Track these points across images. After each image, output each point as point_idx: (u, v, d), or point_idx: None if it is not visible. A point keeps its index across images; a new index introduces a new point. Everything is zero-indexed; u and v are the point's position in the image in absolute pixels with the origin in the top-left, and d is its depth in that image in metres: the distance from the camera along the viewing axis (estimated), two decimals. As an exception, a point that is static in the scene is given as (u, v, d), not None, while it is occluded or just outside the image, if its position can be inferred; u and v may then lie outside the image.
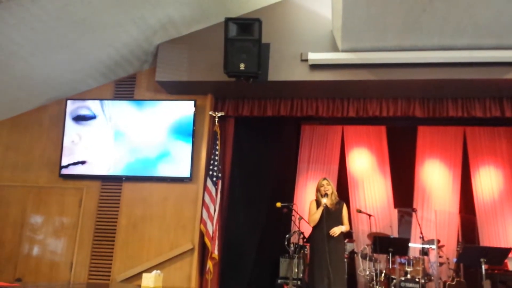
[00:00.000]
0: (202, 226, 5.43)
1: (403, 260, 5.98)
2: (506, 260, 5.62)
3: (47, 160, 5.93)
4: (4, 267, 5.64)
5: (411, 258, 5.98)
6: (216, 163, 5.63)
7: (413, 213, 6.48)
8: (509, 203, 6.97)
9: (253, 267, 5.92)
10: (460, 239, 6.99)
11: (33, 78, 5.54)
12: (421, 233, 5.93)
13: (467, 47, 4.90)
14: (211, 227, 5.43)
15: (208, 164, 5.70)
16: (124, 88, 6.06)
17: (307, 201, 6.68)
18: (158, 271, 4.34)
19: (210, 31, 5.59)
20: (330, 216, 4.75)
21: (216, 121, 5.82)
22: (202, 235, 5.45)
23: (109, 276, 5.51)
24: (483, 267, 4.84)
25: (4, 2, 4.20)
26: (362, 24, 4.71)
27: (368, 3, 4.43)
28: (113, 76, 6.01)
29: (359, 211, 6.22)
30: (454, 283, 6.01)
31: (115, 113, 5.82)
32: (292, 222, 5.70)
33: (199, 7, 5.29)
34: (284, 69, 5.35)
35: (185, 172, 5.58)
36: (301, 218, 5.05)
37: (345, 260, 5.50)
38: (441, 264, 6.33)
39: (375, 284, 5.87)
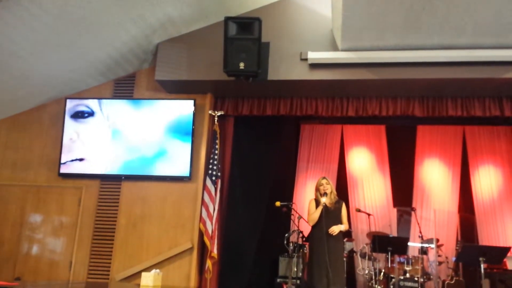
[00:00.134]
0: (201, 225, 5.43)
1: (402, 259, 5.99)
2: (505, 259, 5.62)
3: (46, 159, 5.92)
4: (3, 266, 5.64)
5: (410, 257, 5.98)
6: (215, 162, 5.63)
7: (412, 212, 6.49)
8: (508, 202, 6.99)
9: (252, 266, 5.92)
10: (459, 238, 6.99)
11: (32, 77, 5.53)
12: (420, 232, 5.94)
13: (467, 46, 4.89)
14: (211, 226, 5.44)
15: (207, 163, 5.69)
16: (124, 87, 6.05)
17: (307, 200, 6.67)
18: (157, 270, 4.32)
19: (209, 30, 5.59)
20: (329, 215, 4.76)
21: (216, 120, 5.82)
22: (201, 234, 5.45)
23: (108, 275, 5.51)
24: (482, 266, 4.84)
25: (3, 1, 4.18)
26: (362, 23, 4.70)
27: (368, 2, 4.42)
28: (113, 75, 6.00)
29: (358, 210, 6.23)
30: (453, 282, 6.01)
31: (113, 112, 5.81)
32: (292, 221, 5.72)
33: (198, 6, 5.28)
34: (284, 68, 5.35)
35: (185, 171, 5.58)
36: (300, 217, 5.04)
37: (344, 259, 5.52)
38: (440, 263, 6.33)
39: (374, 283, 5.88)
